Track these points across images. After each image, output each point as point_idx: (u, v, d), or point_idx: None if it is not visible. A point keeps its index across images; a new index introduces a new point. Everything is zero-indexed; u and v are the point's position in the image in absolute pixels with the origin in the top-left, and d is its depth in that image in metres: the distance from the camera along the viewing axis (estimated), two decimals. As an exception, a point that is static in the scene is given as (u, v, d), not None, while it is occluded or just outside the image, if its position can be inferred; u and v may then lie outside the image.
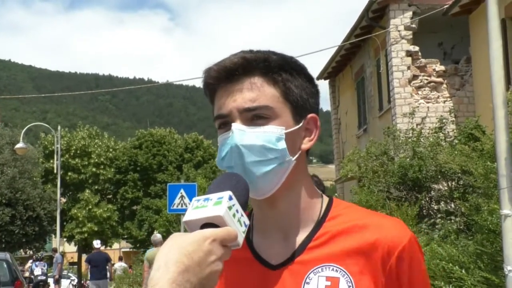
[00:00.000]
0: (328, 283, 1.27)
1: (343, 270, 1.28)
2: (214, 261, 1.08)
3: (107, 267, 17.28)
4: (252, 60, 1.29)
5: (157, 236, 13.38)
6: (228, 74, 1.30)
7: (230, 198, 1.13)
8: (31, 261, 24.23)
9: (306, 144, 1.35)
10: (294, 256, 1.32)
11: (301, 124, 1.34)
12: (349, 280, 1.27)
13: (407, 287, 1.29)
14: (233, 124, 1.29)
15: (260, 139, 1.27)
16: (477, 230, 6.31)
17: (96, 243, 18.19)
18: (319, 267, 1.29)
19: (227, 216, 1.11)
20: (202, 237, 1.08)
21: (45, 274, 22.66)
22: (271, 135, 1.28)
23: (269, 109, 1.29)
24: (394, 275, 1.28)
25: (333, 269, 1.28)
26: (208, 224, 1.11)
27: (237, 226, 1.13)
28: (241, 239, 1.14)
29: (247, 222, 1.16)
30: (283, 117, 1.30)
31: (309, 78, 1.37)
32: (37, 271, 22.07)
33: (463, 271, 5.65)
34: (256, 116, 1.29)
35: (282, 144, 1.29)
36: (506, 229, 4.79)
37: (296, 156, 1.32)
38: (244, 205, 1.18)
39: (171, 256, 1.04)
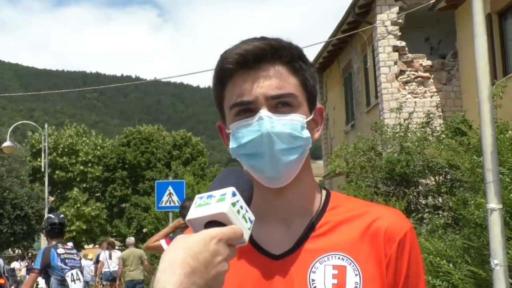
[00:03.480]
0: (335, 271, 1.26)
1: (349, 259, 1.27)
2: (220, 262, 1.04)
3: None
4: (279, 48, 1.28)
5: (131, 239, 14.74)
6: (255, 59, 1.27)
7: (234, 194, 1.09)
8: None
9: (315, 134, 1.36)
10: (298, 245, 1.31)
11: (313, 115, 1.34)
12: (356, 268, 1.26)
13: (405, 275, 1.29)
14: (262, 111, 1.26)
15: (287, 127, 1.27)
16: (465, 224, 6.34)
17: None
18: (325, 256, 1.28)
19: (231, 212, 1.07)
20: (208, 237, 1.04)
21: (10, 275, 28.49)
22: (296, 123, 1.28)
23: (294, 97, 1.28)
24: (393, 262, 1.28)
25: (339, 258, 1.28)
26: (212, 222, 1.07)
27: (242, 222, 1.09)
28: (246, 236, 1.10)
29: (252, 218, 1.12)
30: (303, 107, 1.31)
31: (314, 69, 1.39)
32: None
33: (451, 265, 5.68)
34: (281, 104, 1.27)
35: (306, 133, 1.29)
36: (493, 223, 4.81)
37: (310, 145, 1.33)
38: (248, 200, 1.15)
39: (176, 257, 1.01)
